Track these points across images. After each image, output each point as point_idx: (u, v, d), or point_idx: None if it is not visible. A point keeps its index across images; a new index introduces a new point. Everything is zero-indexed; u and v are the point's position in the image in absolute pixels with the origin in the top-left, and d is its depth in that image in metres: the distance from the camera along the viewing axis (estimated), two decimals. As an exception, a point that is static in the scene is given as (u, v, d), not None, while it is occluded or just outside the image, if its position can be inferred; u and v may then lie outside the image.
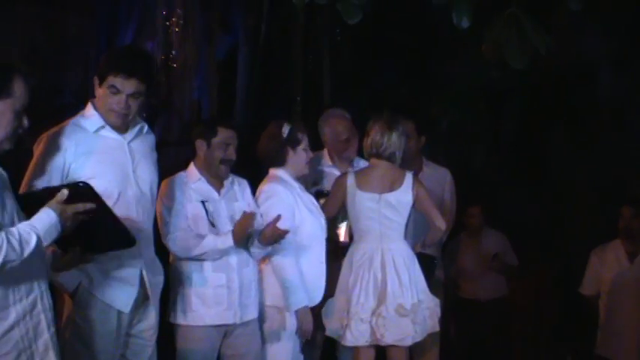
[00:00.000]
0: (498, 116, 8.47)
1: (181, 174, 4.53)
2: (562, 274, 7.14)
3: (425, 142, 5.62)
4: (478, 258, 6.84)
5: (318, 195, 4.98)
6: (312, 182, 5.12)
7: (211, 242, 4.33)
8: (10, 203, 2.97)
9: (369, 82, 7.94)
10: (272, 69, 7.34)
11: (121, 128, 3.82)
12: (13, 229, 2.90)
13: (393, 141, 4.80)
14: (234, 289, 4.41)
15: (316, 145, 5.09)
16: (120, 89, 3.69)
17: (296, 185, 4.72)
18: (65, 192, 3.02)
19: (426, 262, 5.01)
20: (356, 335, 4.71)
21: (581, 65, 7.87)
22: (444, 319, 5.07)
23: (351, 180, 4.85)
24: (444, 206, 5.55)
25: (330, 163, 5.27)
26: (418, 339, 4.76)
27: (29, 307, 2.97)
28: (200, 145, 4.50)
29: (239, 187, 4.59)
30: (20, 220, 2.98)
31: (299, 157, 4.71)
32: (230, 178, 4.55)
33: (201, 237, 4.36)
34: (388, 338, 4.68)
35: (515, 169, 8.14)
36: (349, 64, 7.75)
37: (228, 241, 4.32)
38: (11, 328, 2.93)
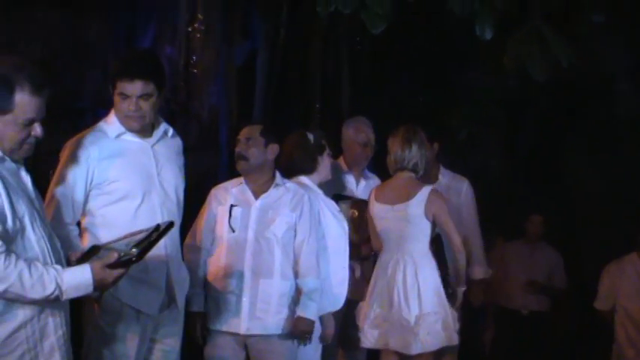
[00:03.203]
0: (516, 126, 8.45)
1: (230, 181, 4.64)
2: (576, 287, 7.10)
3: (438, 150, 5.60)
4: (527, 270, 6.80)
5: (338, 198, 5.04)
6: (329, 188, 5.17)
7: None
8: (22, 208, 2.94)
9: (387, 90, 7.94)
10: (291, 75, 7.34)
11: (143, 132, 3.83)
12: (38, 265, 2.88)
13: (414, 152, 4.91)
14: (244, 298, 4.39)
15: (333, 152, 5.14)
16: (127, 93, 3.70)
17: (319, 192, 4.77)
18: (115, 255, 2.96)
19: None
20: (369, 338, 4.90)
21: (600, 76, 7.84)
22: (480, 327, 5.05)
23: (372, 193, 5.04)
24: (466, 216, 5.56)
25: (346, 169, 5.40)
26: (427, 349, 4.81)
27: (37, 309, 2.95)
28: None
29: (292, 195, 4.51)
30: (34, 227, 2.96)
31: (325, 163, 4.80)
32: (279, 184, 4.52)
33: None
34: (393, 344, 4.83)
35: (531, 179, 8.10)
36: (368, 71, 7.74)
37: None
38: (18, 329, 2.92)
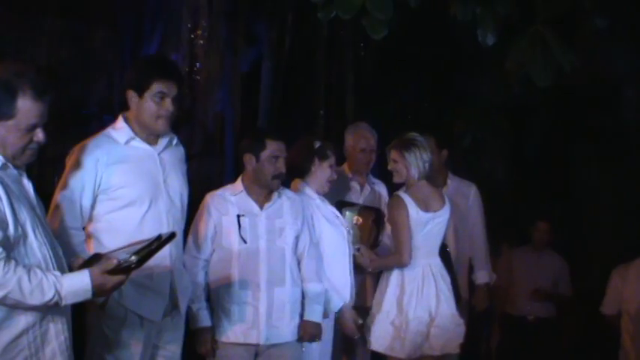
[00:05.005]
0: (521, 132, 8.44)
1: (225, 188, 4.55)
2: (583, 294, 7.08)
3: (447, 156, 5.64)
4: (533, 276, 6.79)
5: (341, 205, 5.02)
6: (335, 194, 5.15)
7: None
8: (24, 215, 2.95)
9: (392, 96, 7.94)
10: (295, 82, 7.36)
11: (150, 140, 3.84)
12: (37, 271, 2.89)
13: (430, 156, 4.88)
14: (261, 308, 4.36)
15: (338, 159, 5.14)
16: (167, 93, 3.72)
17: (315, 197, 4.76)
18: (114, 262, 2.98)
19: None
20: (413, 345, 4.78)
21: (606, 82, 7.82)
22: (485, 332, 5.06)
23: (408, 201, 4.83)
24: (473, 220, 5.59)
25: (350, 175, 5.40)
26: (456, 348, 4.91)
27: (38, 316, 2.96)
28: (248, 159, 4.44)
29: (291, 203, 4.51)
30: (36, 234, 2.97)
31: (323, 171, 4.77)
32: (280, 193, 4.50)
33: None
34: (438, 347, 4.80)
35: (537, 185, 8.10)
36: (372, 78, 7.75)
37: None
38: (19, 335, 2.94)
